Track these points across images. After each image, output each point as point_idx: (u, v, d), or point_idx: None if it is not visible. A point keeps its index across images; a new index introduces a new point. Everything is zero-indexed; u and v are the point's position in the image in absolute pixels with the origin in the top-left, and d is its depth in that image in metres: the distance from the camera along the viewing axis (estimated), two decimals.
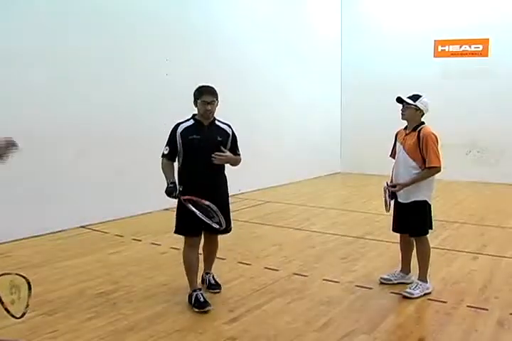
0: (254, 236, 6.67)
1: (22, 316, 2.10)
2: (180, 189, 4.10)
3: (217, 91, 4.21)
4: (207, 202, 3.93)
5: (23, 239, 6.14)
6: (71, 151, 6.72)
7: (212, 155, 4.07)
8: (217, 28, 9.16)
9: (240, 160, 4.37)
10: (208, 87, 4.17)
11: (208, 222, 3.93)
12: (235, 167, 4.42)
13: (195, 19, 8.67)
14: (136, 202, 7.54)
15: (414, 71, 11.93)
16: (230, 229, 4.38)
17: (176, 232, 4.28)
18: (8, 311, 1.92)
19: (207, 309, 4.08)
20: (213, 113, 4.20)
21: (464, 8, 11.62)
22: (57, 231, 6.53)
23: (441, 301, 4.33)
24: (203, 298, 4.16)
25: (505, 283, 4.80)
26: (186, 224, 4.17)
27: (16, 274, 1.78)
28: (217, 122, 4.28)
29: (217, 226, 3.94)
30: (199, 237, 4.29)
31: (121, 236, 6.48)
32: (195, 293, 4.18)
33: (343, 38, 13.22)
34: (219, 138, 4.19)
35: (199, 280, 4.48)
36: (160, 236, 6.17)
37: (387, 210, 4.63)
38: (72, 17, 6.72)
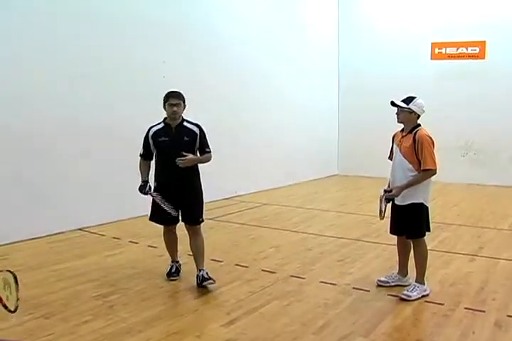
0: (251, 239, 6.67)
1: (15, 310, 2.20)
2: (155, 185, 4.73)
3: (184, 97, 4.60)
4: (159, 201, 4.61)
5: (20, 241, 6.13)
6: (69, 153, 6.72)
7: (176, 160, 4.49)
8: (216, 30, 9.16)
9: (210, 157, 4.74)
10: (175, 91, 4.64)
11: (171, 211, 4.58)
12: (206, 164, 4.76)
13: (193, 20, 8.68)
14: (134, 205, 7.52)
15: (412, 73, 11.96)
16: (201, 221, 4.79)
17: (149, 219, 4.89)
18: (5, 307, 2.01)
19: (171, 279, 4.87)
20: (179, 114, 4.61)
21: (460, 11, 11.65)
22: (54, 234, 6.52)
23: (439, 303, 4.33)
24: (175, 269, 4.96)
25: (502, 285, 4.80)
26: (156, 215, 4.76)
27: (7, 271, 1.83)
28: (185, 123, 4.67)
29: (174, 213, 4.62)
30: (171, 225, 4.85)
31: (119, 238, 6.47)
32: (170, 265, 4.99)
33: (340, 40, 13.24)
34: (186, 138, 4.60)
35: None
36: (157, 238, 6.12)
37: (381, 218, 4.63)
38: (73, 18, 6.72)
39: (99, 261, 5.55)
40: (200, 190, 4.78)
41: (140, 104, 7.63)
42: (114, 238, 6.49)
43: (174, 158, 4.52)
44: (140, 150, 4.82)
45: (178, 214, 4.71)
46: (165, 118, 4.69)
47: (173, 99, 4.54)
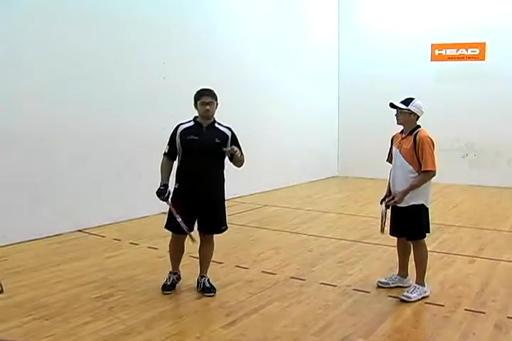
0: (252, 240, 6.66)
1: (2, 290, 2.26)
2: (176, 187, 4.45)
3: (217, 95, 4.45)
4: (179, 220, 4.31)
5: (20, 242, 6.12)
6: (69, 154, 6.72)
7: (229, 148, 4.30)
8: (216, 33, 9.17)
9: (244, 159, 4.46)
10: (208, 89, 4.42)
11: (185, 229, 4.33)
12: (239, 168, 4.54)
13: (194, 24, 8.68)
14: (134, 206, 7.54)
15: (412, 75, 11.97)
16: (224, 230, 4.61)
17: (165, 227, 4.58)
18: None
19: (165, 292, 4.54)
20: (212, 113, 4.42)
21: (461, 12, 11.66)
22: (54, 235, 6.51)
23: (439, 305, 4.33)
24: (171, 281, 4.63)
25: (502, 287, 4.80)
26: (173, 223, 4.43)
27: None
28: (216, 125, 4.48)
29: (191, 240, 4.42)
30: (185, 235, 4.51)
31: (119, 240, 6.46)
32: (168, 275, 4.69)
33: (340, 42, 13.24)
34: (217, 140, 4.38)
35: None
36: (157, 240, 6.15)
37: (382, 231, 4.66)
38: (73, 19, 6.73)
39: (99, 262, 5.54)
40: (224, 196, 4.58)
41: (141, 105, 7.65)
42: (115, 239, 6.48)
43: (200, 158, 4.34)
44: (165, 148, 4.52)
45: (194, 223, 4.49)
46: (195, 117, 4.48)
47: (207, 98, 4.32)
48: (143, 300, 4.39)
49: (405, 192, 4.40)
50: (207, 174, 4.41)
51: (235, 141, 4.48)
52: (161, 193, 4.36)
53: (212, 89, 4.44)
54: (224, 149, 4.35)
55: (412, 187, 4.38)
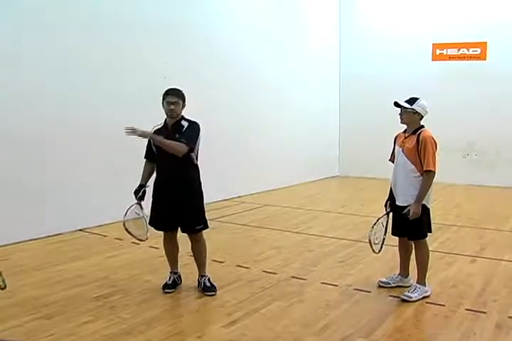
0: (253, 240, 6.66)
1: (5, 286, 2.35)
2: (152, 185, 4.59)
3: (185, 96, 4.44)
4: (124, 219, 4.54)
5: (21, 242, 6.13)
6: (69, 154, 6.72)
7: (125, 127, 4.13)
8: (217, 34, 9.18)
9: (178, 146, 4.25)
10: (175, 89, 4.43)
11: (139, 236, 4.56)
12: (176, 154, 4.28)
13: (194, 26, 8.69)
14: None
15: (413, 74, 11.96)
16: (200, 229, 4.56)
17: (148, 223, 4.60)
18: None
19: (166, 291, 4.57)
20: (177, 113, 4.40)
21: (461, 12, 11.66)
22: (55, 235, 6.52)
23: (440, 304, 4.33)
24: (171, 280, 4.68)
25: (503, 286, 4.80)
26: (155, 220, 4.56)
27: None
28: (182, 121, 4.46)
29: (142, 238, 4.56)
30: (172, 232, 4.64)
31: (120, 239, 6.46)
32: (169, 275, 4.73)
33: (341, 42, 13.24)
34: (177, 136, 4.36)
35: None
36: (158, 239, 6.11)
37: (377, 250, 4.60)
38: (74, 20, 6.74)
39: (100, 261, 5.55)
40: (198, 194, 4.52)
41: (141, 105, 7.63)
42: (116, 239, 6.48)
43: (167, 157, 4.32)
44: None
45: (177, 223, 4.51)
46: (166, 118, 4.50)
47: (172, 97, 4.34)
48: (144, 300, 4.40)
49: (419, 202, 4.35)
50: (174, 172, 4.43)
51: (187, 129, 4.37)
52: (135, 193, 4.57)
53: (180, 89, 4.44)
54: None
55: (422, 194, 4.34)
